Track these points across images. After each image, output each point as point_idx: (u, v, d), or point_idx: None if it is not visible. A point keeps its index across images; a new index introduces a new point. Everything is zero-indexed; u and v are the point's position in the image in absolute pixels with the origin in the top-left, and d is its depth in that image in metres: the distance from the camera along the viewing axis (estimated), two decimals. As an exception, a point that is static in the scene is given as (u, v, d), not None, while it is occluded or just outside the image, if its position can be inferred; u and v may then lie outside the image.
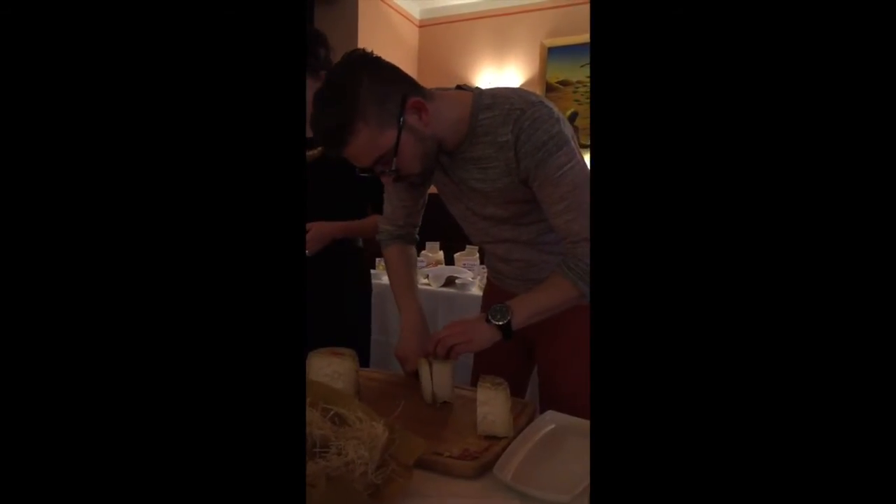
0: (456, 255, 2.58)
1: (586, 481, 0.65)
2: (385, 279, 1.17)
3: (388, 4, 3.60)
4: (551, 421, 0.83)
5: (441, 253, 2.67)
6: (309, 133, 0.87)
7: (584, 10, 3.48)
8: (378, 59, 0.84)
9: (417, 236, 1.17)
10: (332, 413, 0.71)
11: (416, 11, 3.88)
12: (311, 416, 0.69)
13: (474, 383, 0.89)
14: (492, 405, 0.80)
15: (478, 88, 0.92)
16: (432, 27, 3.94)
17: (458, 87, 0.94)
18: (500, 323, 0.89)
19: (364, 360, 1.63)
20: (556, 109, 0.87)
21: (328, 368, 0.91)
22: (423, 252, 2.62)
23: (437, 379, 0.91)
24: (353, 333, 1.47)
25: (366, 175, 0.88)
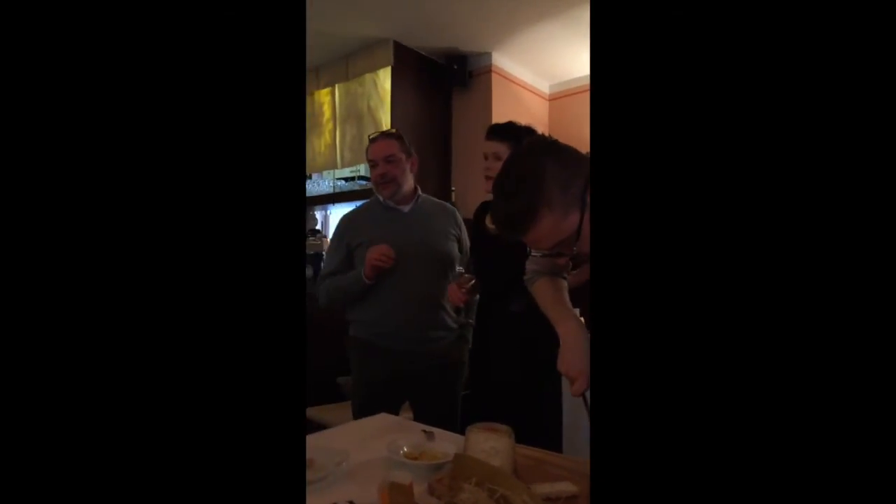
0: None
1: None
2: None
3: (519, 85, 3.79)
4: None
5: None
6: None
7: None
8: (557, 142, 0.85)
9: (566, 275, 1.12)
10: (497, 494, 0.70)
11: (545, 87, 4.03)
12: (478, 496, 0.70)
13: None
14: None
15: None
16: (560, 99, 4.05)
17: None
18: None
19: (556, 444, 1.57)
20: None
21: (485, 444, 0.91)
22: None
23: None
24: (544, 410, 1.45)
25: (538, 256, 0.88)
